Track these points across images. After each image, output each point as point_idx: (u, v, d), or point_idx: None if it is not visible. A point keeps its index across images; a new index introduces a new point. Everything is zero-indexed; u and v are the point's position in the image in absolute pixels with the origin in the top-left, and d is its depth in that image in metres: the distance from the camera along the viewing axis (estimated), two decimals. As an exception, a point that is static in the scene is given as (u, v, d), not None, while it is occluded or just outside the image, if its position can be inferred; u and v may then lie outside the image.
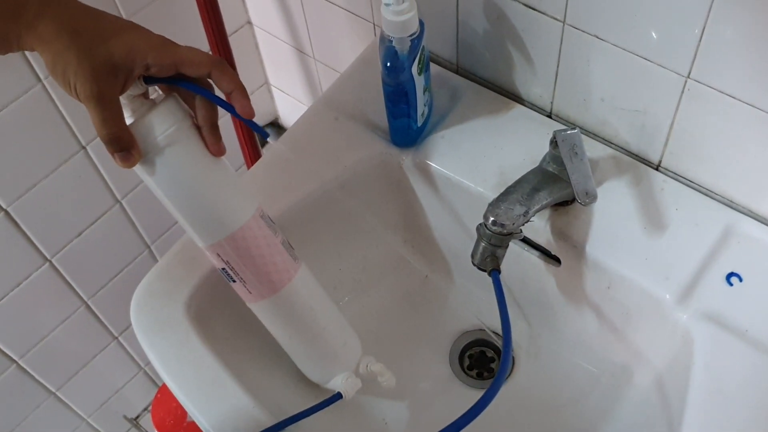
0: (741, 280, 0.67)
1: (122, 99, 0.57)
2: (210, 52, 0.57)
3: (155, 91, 0.62)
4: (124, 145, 0.56)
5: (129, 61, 0.54)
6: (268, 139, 0.62)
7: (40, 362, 1.14)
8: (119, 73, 0.54)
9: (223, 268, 0.64)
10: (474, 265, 0.69)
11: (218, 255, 0.63)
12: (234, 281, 0.65)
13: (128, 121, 0.57)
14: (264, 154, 0.85)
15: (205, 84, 0.58)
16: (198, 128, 0.60)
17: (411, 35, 0.69)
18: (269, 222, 0.65)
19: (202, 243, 0.63)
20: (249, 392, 0.68)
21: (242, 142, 1.18)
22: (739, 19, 0.58)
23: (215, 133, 0.60)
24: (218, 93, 0.59)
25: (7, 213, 0.97)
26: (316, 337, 0.70)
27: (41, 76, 0.91)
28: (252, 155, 1.18)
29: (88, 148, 1.02)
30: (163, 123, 0.58)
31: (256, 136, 1.18)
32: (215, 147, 0.60)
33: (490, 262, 0.68)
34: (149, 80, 0.58)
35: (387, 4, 0.67)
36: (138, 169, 0.59)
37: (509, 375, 0.81)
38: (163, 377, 0.70)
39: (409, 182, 0.82)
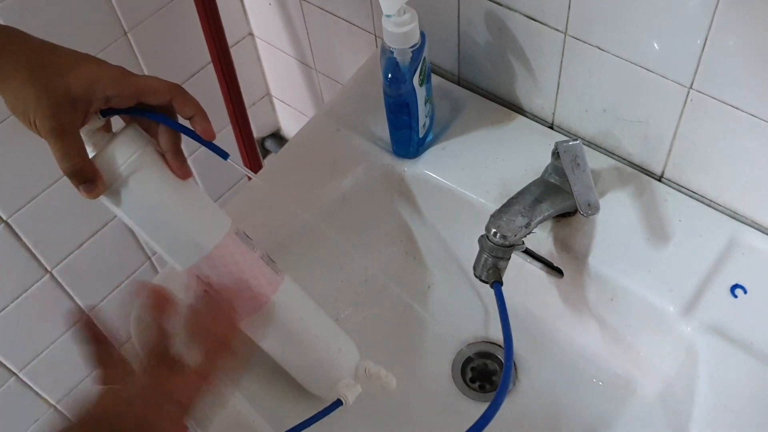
0: (746, 292, 0.67)
1: (83, 134, 0.57)
2: (169, 80, 0.58)
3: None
4: (87, 176, 0.55)
5: (88, 93, 0.54)
6: (229, 159, 0.62)
7: (40, 375, 1.14)
8: (78, 107, 0.54)
9: (205, 291, 0.64)
10: (476, 276, 0.69)
11: (197, 277, 0.63)
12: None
13: (90, 153, 0.57)
14: (264, 166, 0.85)
15: (166, 111, 0.59)
16: (160, 153, 0.60)
17: (412, 46, 0.69)
18: (245, 238, 0.64)
19: (180, 267, 0.63)
20: (248, 403, 0.68)
21: (243, 155, 1.18)
22: (741, 30, 0.58)
23: (179, 158, 0.60)
24: (181, 119, 0.60)
25: (7, 224, 0.97)
26: (309, 347, 0.69)
27: (42, 88, 0.91)
28: (253, 167, 1.18)
29: (89, 159, 1.02)
30: (124, 152, 0.57)
31: (257, 147, 1.19)
32: (181, 170, 0.60)
33: (492, 274, 0.67)
34: (107, 112, 0.57)
35: (388, 16, 0.67)
36: (105, 200, 0.59)
37: (512, 388, 0.81)
38: (163, 390, 0.70)
39: (411, 193, 0.82)
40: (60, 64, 0.54)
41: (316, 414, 0.68)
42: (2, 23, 0.56)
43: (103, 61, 0.56)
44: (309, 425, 0.67)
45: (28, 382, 1.13)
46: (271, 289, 0.65)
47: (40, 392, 1.16)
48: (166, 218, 0.60)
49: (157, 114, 0.58)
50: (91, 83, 0.54)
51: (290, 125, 1.30)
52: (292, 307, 0.67)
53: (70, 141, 0.54)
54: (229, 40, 1.04)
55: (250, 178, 1.17)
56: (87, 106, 0.55)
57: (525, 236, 0.67)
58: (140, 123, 0.60)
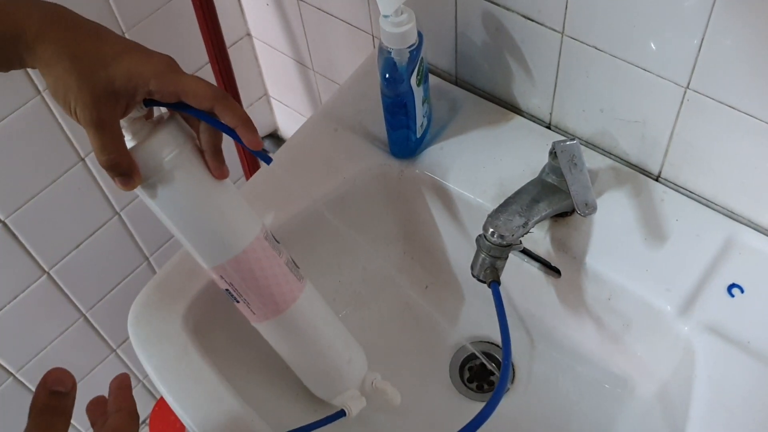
0: (743, 291, 0.67)
1: (122, 122, 0.57)
2: (214, 82, 0.55)
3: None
4: (124, 170, 0.55)
5: (130, 87, 0.53)
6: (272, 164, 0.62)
7: (38, 375, 1.13)
8: (120, 99, 0.54)
9: (227, 289, 0.64)
10: (473, 276, 0.69)
11: (221, 277, 0.63)
12: (238, 302, 0.65)
13: (129, 143, 0.57)
14: (262, 166, 0.85)
15: (208, 112, 0.57)
16: (200, 151, 0.60)
17: (410, 47, 0.69)
18: (273, 242, 0.64)
19: (205, 265, 0.63)
20: (248, 406, 0.68)
21: (241, 155, 1.18)
22: (738, 30, 0.58)
23: (218, 158, 0.60)
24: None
25: (5, 224, 0.97)
26: (320, 355, 0.69)
27: (40, 88, 0.91)
28: (251, 166, 1.18)
29: (86, 159, 1.02)
30: (164, 148, 0.57)
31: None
32: (218, 171, 0.60)
33: (489, 274, 0.67)
34: (150, 103, 0.57)
35: (386, 16, 0.67)
36: (140, 191, 0.59)
37: (509, 387, 0.81)
38: (161, 390, 0.70)
39: (408, 194, 0.82)
40: (105, 54, 0.53)
41: (318, 421, 0.68)
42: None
43: (150, 52, 0.55)
44: (309, 431, 0.67)
45: (25, 383, 1.13)
46: (291, 297, 0.65)
47: (37, 393, 1.16)
48: (197, 217, 0.60)
49: (200, 112, 0.57)
50: (135, 76, 0.53)
51: (288, 126, 1.30)
52: (308, 315, 0.67)
53: (109, 133, 0.54)
54: (227, 41, 1.04)
55: (248, 179, 1.17)
56: (129, 98, 0.54)
57: (522, 236, 0.67)
58: (181, 113, 0.59)
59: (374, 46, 0.93)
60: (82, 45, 0.52)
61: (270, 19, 1.08)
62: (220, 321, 0.74)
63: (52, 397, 0.48)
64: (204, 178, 0.60)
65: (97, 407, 0.56)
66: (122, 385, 0.55)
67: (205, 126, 0.59)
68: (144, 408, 1.38)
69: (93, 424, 0.56)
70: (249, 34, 1.16)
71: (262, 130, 1.32)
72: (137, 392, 1.35)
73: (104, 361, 1.24)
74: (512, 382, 0.81)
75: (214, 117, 0.57)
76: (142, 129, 0.58)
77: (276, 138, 1.34)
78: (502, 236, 0.66)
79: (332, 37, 0.99)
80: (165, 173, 0.57)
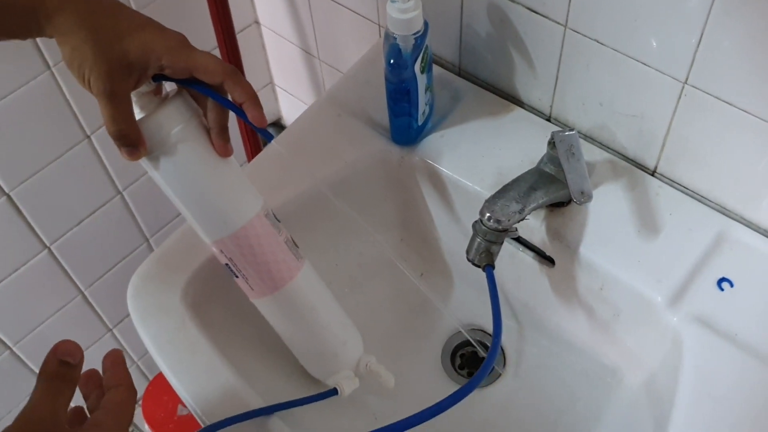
0: (732, 285, 0.68)
1: (132, 95, 0.58)
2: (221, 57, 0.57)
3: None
4: (131, 141, 0.57)
5: (143, 61, 0.55)
6: (273, 141, 0.64)
7: (34, 350, 1.15)
8: (133, 72, 0.55)
9: (227, 264, 0.65)
10: (468, 260, 0.70)
11: (221, 251, 0.65)
12: (237, 277, 0.66)
13: (137, 115, 0.59)
14: (265, 148, 0.86)
15: (217, 89, 0.59)
16: (206, 128, 0.61)
17: (415, 33, 0.71)
18: (274, 221, 0.66)
19: (206, 239, 0.65)
20: (242, 379, 0.69)
21: (245, 141, 1.19)
22: (736, 27, 0.60)
23: (224, 136, 0.61)
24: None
25: (9, 197, 0.98)
26: (316, 335, 0.71)
27: (50, 64, 0.92)
28: (253, 148, 1.19)
29: (92, 137, 1.03)
30: (170, 121, 0.59)
31: (258, 134, 1.19)
32: (223, 149, 0.62)
33: (484, 258, 0.69)
34: (159, 78, 0.58)
35: (393, 1, 0.68)
36: (144, 162, 0.60)
37: (500, 375, 0.82)
38: (157, 361, 0.71)
39: (408, 180, 0.83)
40: (121, 27, 0.55)
41: (309, 396, 0.69)
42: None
43: (164, 28, 0.57)
44: (300, 405, 0.68)
45: (22, 357, 1.14)
46: (289, 275, 0.66)
47: (33, 368, 1.17)
48: (199, 191, 0.62)
49: (208, 89, 0.59)
50: (148, 51, 0.55)
51: (292, 114, 1.31)
52: (305, 295, 0.68)
53: (120, 105, 0.55)
54: (236, 27, 1.05)
55: (249, 161, 1.18)
56: (141, 72, 0.56)
57: (518, 222, 0.68)
58: (190, 91, 0.61)
59: (380, 36, 0.94)
60: (100, 18, 0.54)
61: (278, 7, 1.09)
62: (218, 296, 0.75)
63: (62, 366, 0.49)
64: (207, 154, 0.61)
65: (89, 380, 0.57)
66: (117, 360, 0.57)
67: (213, 104, 0.60)
68: (138, 389, 1.39)
69: (86, 398, 0.57)
70: (257, 22, 1.17)
71: (266, 118, 1.33)
72: (131, 373, 1.36)
73: (100, 340, 1.25)
74: (503, 368, 0.82)
75: (223, 93, 0.59)
76: (150, 103, 0.60)
77: (279, 127, 1.35)
78: (498, 221, 0.67)
79: (339, 26, 1.00)
80: (170, 146, 0.59)
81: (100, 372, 0.57)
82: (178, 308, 0.72)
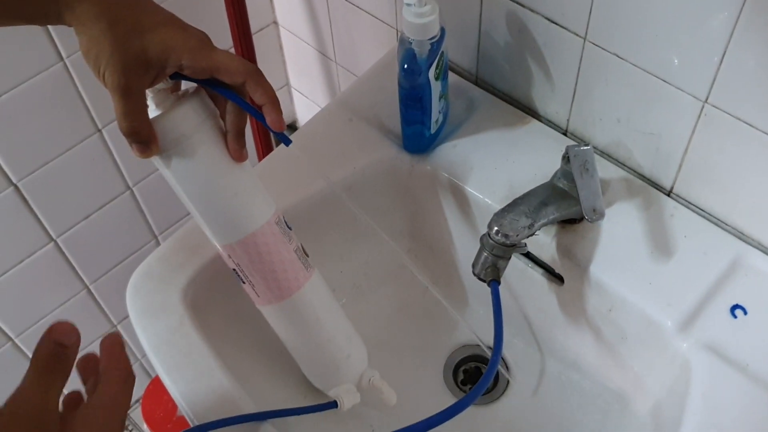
0: (746, 313, 0.66)
1: (147, 92, 0.57)
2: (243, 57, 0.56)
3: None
4: (143, 138, 0.56)
5: (163, 59, 0.54)
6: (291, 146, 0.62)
7: (36, 343, 1.14)
8: (150, 69, 0.54)
9: (234, 269, 0.64)
10: (474, 274, 0.69)
11: (229, 256, 0.63)
12: (244, 282, 0.65)
13: (152, 113, 0.57)
14: (276, 149, 0.85)
15: (237, 90, 0.57)
16: (222, 130, 0.60)
17: (431, 39, 0.69)
18: (285, 228, 0.64)
19: (215, 242, 0.64)
20: (238, 384, 0.67)
21: (257, 142, 1.18)
22: (759, 47, 0.58)
23: (240, 141, 0.60)
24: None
25: (16, 188, 0.97)
26: (319, 347, 0.69)
27: (63, 55, 0.92)
28: (264, 147, 1.18)
29: (104, 131, 1.02)
30: (186, 122, 0.57)
31: (271, 136, 1.19)
32: (238, 154, 0.60)
33: (490, 272, 0.67)
34: (176, 77, 0.57)
35: (408, 5, 0.67)
36: (156, 160, 0.59)
37: (502, 393, 0.80)
38: (152, 361, 0.70)
39: (417, 189, 0.81)
40: (142, 22, 0.53)
41: (307, 407, 0.68)
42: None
43: (186, 26, 0.56)
44: (296, 414, 0.67)
45: (24, 349, 1.14)
46: (296, 284, 0.65)
47: (34, 360, 1.17)
48: (209, 194, 0.60)
49: (228, 90, 0.57)
50: (168, 49, 0.54)
51: (306, 117, 1.30)
52: (311, 306, 0.67)
53: (133, 101, 0.54)
54: (253, 27, 1.05)
55: (260, 160, 1.18)
56: (159, 70, 0.54)
57: (527, 237, 0.67)
58: (209, 91, 0.59)
59: (397, 41, 0.93)
60: (122, 10, 0.53)
61: (297, 8, 1.08)
62: (220, 298, 0.74)
63: (56, 348, 0.47)
64: (221, 157, 0.60)
65: (88, 364, 0.55)
66: (114, 344, 0.55)
67: (232, 107, 0.59)
68: (139, 388, 1.39)
69: (84, 382, 0.55)
70: (275, 22, 1.17)
71: (283, 120, 1.33)
72: (134, 371, 1.36)
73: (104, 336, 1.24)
74: (506, 388, 0.80)
75: (243, 93, 0.57)
76: (166, 100, 0.59)
77: (294, 129, 1.34)
78: (506, 235, 0.65)
79: (357, 29, 0.99)
80: (183, 147, 0.58)
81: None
82: (177, 308, 0.71)
